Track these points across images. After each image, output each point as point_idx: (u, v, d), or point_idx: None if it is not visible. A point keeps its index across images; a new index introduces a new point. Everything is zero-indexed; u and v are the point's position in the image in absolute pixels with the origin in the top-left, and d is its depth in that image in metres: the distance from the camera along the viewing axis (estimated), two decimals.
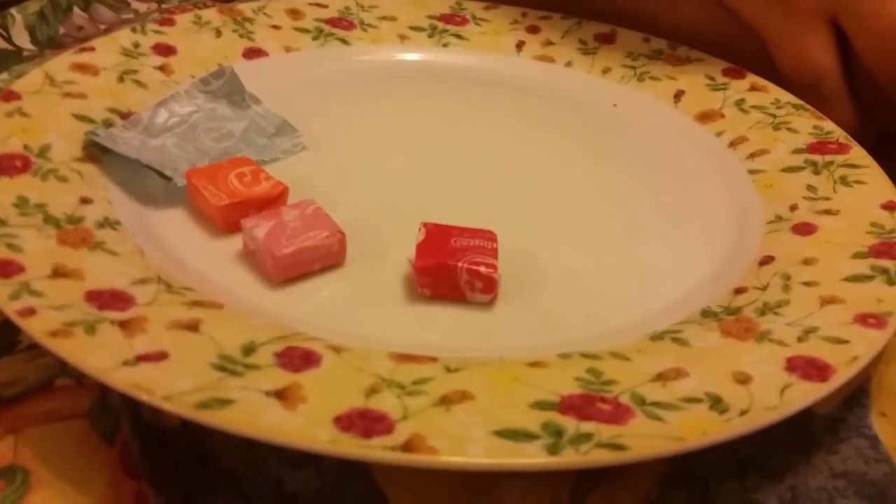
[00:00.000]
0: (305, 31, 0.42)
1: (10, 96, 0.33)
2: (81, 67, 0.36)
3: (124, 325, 0.23)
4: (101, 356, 0.22)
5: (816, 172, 0.34)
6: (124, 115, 0.34)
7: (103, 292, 0.24)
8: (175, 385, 0.21)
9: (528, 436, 0.21)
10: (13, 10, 0.45)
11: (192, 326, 0.24)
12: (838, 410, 0.27)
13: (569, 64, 0.43)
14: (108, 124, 0.33)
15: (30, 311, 0.23)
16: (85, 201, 0.29)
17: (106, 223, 0.28)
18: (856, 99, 0.38)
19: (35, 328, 0.22)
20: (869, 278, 0.28)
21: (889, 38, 0.35)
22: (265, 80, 0.39)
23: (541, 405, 0.22)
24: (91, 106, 0.34)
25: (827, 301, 0.27)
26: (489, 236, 0.28)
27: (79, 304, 0.24)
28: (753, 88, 0.40)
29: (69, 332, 0.22)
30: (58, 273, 0.25)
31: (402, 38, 0.43)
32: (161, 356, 0.22)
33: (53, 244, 0.26)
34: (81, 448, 0.23)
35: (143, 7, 0.50)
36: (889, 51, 0.35)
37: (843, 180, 0.33)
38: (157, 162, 0.31)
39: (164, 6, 0.50)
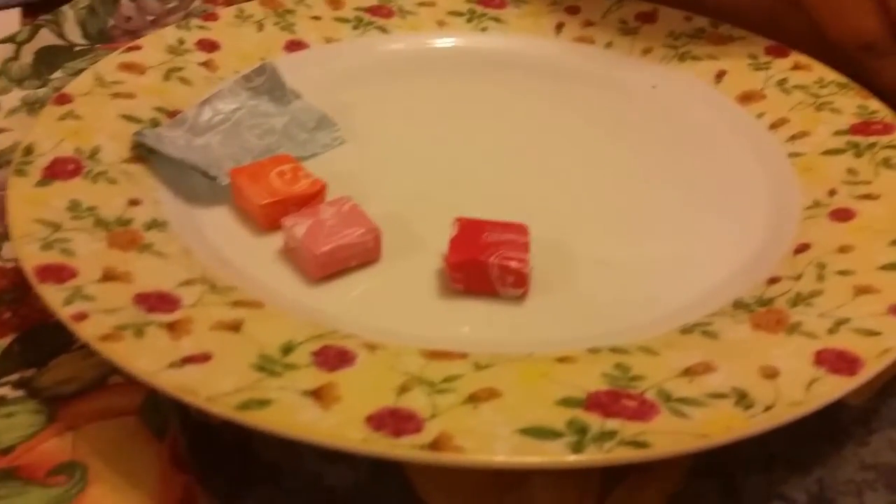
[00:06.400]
0: (345, 20, 0.43)
1: (63, 99, 0.34)
2: (129, 67, 0.37)
3: (171, 327, 0.24)
4: (148, 359, 0.23)
5: (858, 155, 0.33)
6: (171, 114, 0.35)
7: (151, 294, 0.26)
8: (218, 386, 0.22)
9: (552, 434, 0.22)
10: (65, 7, 0.47)
11: (235, 327, 0.25)
12: (871, 401, 0.27)
13: (609, 45, 0.42)
14: (154, 124, 0.35)
15: (82, 316, 0.24)
16: (133, 203, 0.30)
17: (154, 224, 0.29)
18: None
19: (87, 332, 0.24)
20: None
21: None
22: (306, 72, 0.40)
23: (567, 402, 0.23)
24: (139, 105, 0.35)
25: (861, 291, 0.27)
26: (521, 230, 0.29)
27: (128, 307, 0.25)
28: (797, 67, 0.39)
29: (119, 335, 0.24)
30: (108, 276, 0.26)
31: (441, 23, 0.43)
32: (205, 357, 0.23)
33: (104, 247, 0.27)
34: (134, 444, 0.25)
35: None
36: None
37: (886, 162, 0.33)
38: (203, 162, 0.32)
39: None
